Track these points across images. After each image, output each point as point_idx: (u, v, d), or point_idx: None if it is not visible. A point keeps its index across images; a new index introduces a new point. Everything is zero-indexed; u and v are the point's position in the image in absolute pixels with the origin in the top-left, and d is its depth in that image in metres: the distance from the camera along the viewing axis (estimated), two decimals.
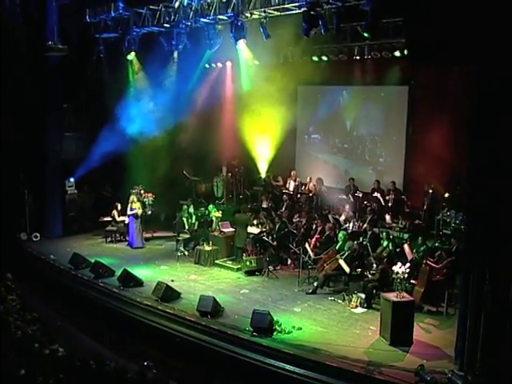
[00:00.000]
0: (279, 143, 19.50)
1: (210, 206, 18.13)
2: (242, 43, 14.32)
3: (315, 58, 17.25)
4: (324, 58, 17.06)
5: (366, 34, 12.85)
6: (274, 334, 11.25)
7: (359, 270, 13.40)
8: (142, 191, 18.47)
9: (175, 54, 17.00)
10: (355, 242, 13.99)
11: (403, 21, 11.84)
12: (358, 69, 17.41)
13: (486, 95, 9.29)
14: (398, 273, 10.89)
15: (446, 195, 15.85)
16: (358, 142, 18.88)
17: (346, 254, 13.38)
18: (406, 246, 13.22)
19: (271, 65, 18.05)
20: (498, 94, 9.01)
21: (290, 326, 11.52)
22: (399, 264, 11.11)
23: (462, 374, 9.17)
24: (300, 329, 11.48)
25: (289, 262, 15.79)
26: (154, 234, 18.71)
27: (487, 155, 9.31)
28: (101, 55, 17.45)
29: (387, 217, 16.16)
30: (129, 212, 17.40)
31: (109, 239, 18.17)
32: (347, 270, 13.14)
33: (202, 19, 14.55)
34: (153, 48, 16.65)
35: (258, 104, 18.74)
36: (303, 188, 18.92)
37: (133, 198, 17.58)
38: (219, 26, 14.90)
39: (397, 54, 15.43)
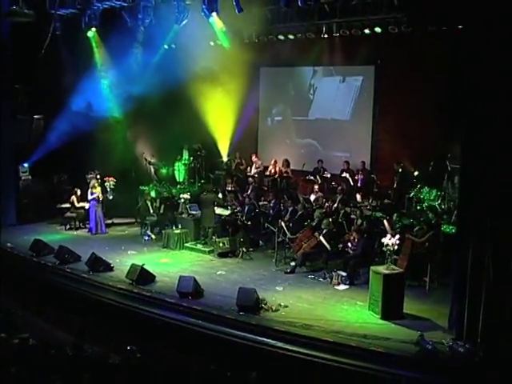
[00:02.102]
0: (241, 126, 19.13)
1: (173, 191, 17.61)
2: (215, 17, 13.80)
3: (281, 37, 16.92)
4: (290, 36, 16.75)
5: None
6: (261, 312, 10.89)
7: (340, 245, 13.17)
8: (98, 176, 17.68)
9: (140, 30, 16.13)
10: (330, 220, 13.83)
11: None
12: (324, 48, 17.16)
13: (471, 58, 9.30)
14: (387, 245, 10.70)
15: (416, 173, 15.87)
16: (323, 122, 18.63)
17: (325, 231, 13.16)
18: (385, 222, 13.10)
19: (234, 44, 17.52)
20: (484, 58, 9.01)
21: (276, 304, 11.18)
22: (388, 236, 10.93)
23: (462, 343, 9.08)
24: (287, 306, 11.15)
25: (260, 243, 15.48)
26: (115, 221, 17.94)
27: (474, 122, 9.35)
28: (57, 32, 16.42)
29: (358, 196, 16.09)
30: (89, 197, 16.62)
31: (68, 226, 17.28)
32: (328, 246, 12.92)
33: None
34: (115, 24, 15.83)
35: (219, 86, 18.32)
36: (268, 171, 18.55)
37: (93, 182, 16.82)
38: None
39: (366, 31, 15.31)
